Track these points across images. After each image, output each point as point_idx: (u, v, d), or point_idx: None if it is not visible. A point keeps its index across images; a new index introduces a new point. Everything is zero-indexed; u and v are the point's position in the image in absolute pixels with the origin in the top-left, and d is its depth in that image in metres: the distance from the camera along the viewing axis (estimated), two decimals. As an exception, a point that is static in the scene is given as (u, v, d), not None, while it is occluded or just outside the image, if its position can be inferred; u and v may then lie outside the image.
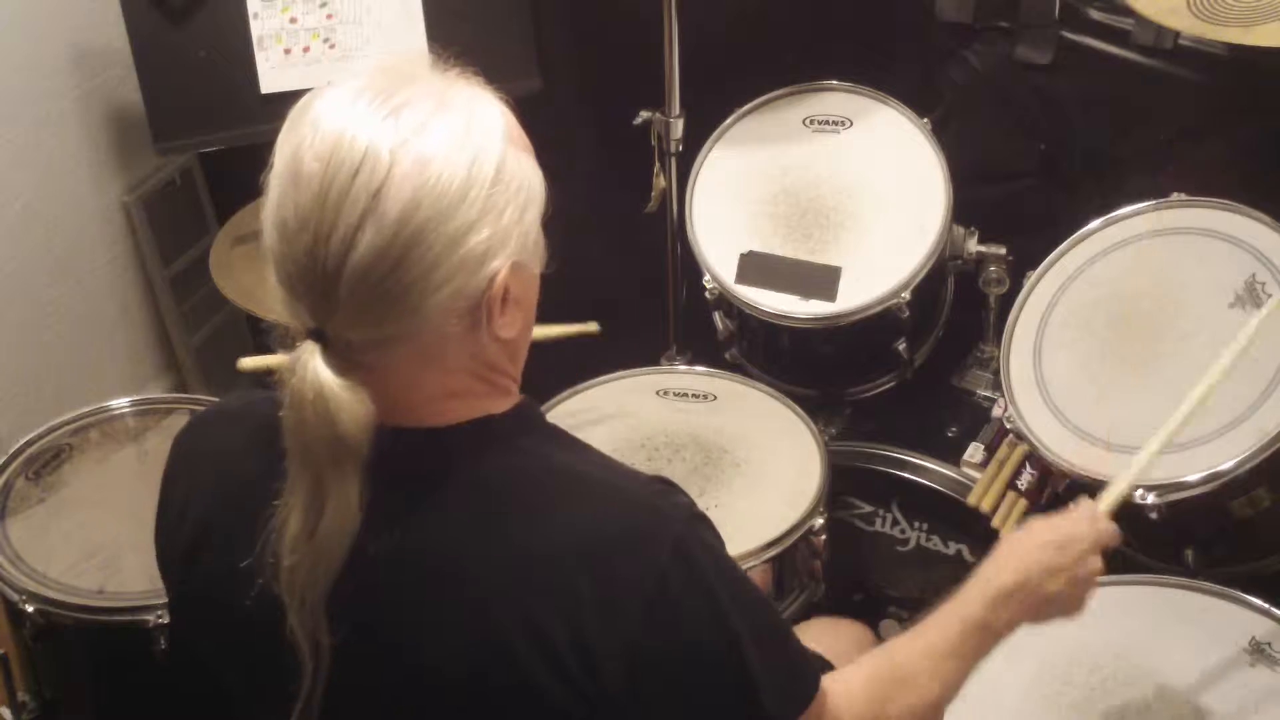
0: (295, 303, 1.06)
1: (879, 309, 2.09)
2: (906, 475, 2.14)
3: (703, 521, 1.14)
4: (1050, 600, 1.33)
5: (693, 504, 1.14)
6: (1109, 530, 1.38)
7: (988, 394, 2.28)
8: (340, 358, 1.04)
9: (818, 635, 1.67)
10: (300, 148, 1.05)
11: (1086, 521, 1.37)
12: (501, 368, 1.14)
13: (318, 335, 1.05)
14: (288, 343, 1.07)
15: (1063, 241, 1.97)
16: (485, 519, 1.09)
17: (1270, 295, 1.78)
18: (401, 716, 1.12)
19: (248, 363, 1.94)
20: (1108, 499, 1.45)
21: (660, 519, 1.10)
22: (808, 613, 1.95)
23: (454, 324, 1.07)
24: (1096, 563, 1.36)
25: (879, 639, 1.99)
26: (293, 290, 1.06)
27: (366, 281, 1.03)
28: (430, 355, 1.08)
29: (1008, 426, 1.89)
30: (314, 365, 1.03)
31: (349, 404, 1.03)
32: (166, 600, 1.73)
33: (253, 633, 1.12)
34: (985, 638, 1.30)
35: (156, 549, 1.25)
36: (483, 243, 1.05)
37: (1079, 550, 1.34)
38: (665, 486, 1.16)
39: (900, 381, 2.25)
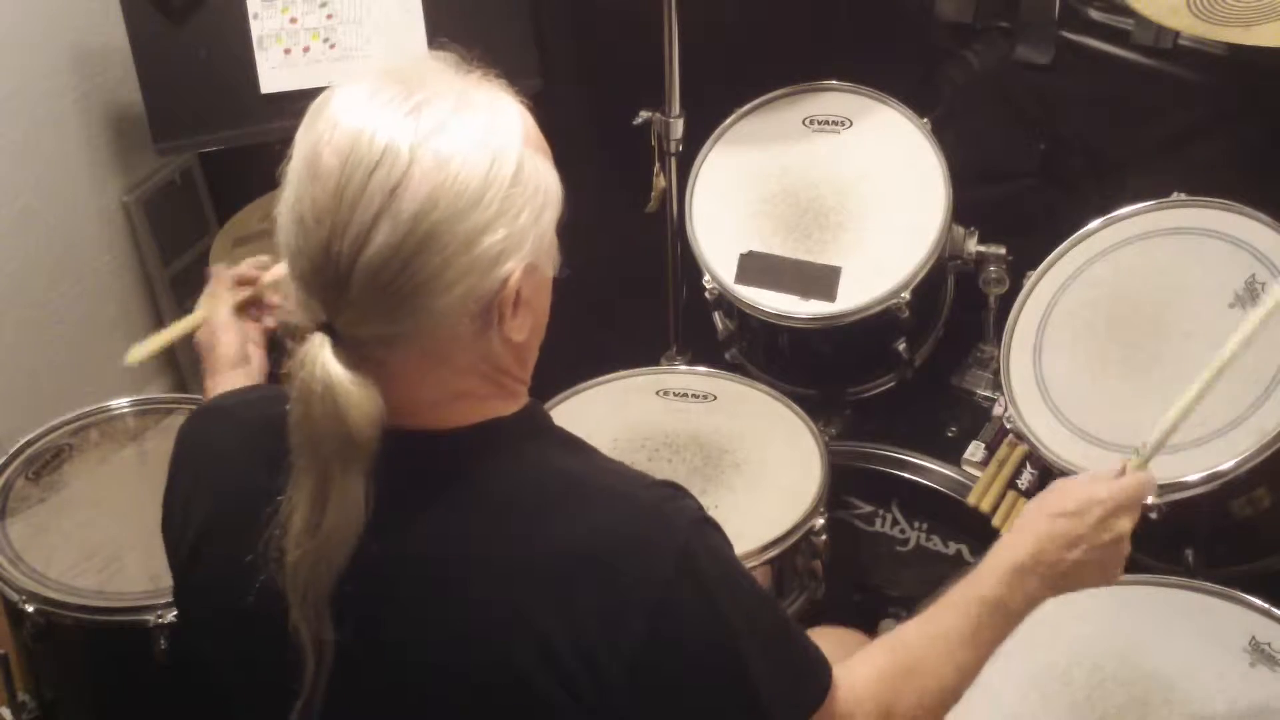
0: (308, 297, 1.06)
1: (879, 309, 2.09)
2: (906, 475, 2.14)
3: (710, 526, 1.13)
4: (1072, 571, 1.28)
5: (700, 508, 1.14)
6: (1134, 485, 1.31)
7: (988, 394, 2.28)
8: (350, 352, 1.04)
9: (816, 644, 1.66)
10: (319, 143, 1.04)
11: (1103, 483, 1.31)
12: (510, 370, 1.13)
13: (328, 329, 1.05)
14: (295, 340, 1.07)
15: (1063, 241, 1.97)
16: (490, 524, 1.09)
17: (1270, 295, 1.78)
18: (402, 716, 1.11)
19: (138, 353, 1.70)
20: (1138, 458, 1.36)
21: (664, 524, 1.09)
22: (808, 614, 1.95)
23: (465, 324, 1.06)
24: (1122, 525, 1.29)
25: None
26: (306, 285, 1.06)
27: (379, 278, 1.02)
28: (439, 355, 1.08)
29: (1008, 426, 1.89)
30: (323, 359, 1.03)
31: (359, 399, 1.02)
32: (167, 599, 1.75)
33: (255, 630, 1.12)
34: (1003, 618, 1.26)
35: (164, 545, 1.25)
36: (497, 244, 1.04)
37: (1097, 515, 1.28)
38: (672, 491, 1.15)
39: (900, 381, 2.24)
